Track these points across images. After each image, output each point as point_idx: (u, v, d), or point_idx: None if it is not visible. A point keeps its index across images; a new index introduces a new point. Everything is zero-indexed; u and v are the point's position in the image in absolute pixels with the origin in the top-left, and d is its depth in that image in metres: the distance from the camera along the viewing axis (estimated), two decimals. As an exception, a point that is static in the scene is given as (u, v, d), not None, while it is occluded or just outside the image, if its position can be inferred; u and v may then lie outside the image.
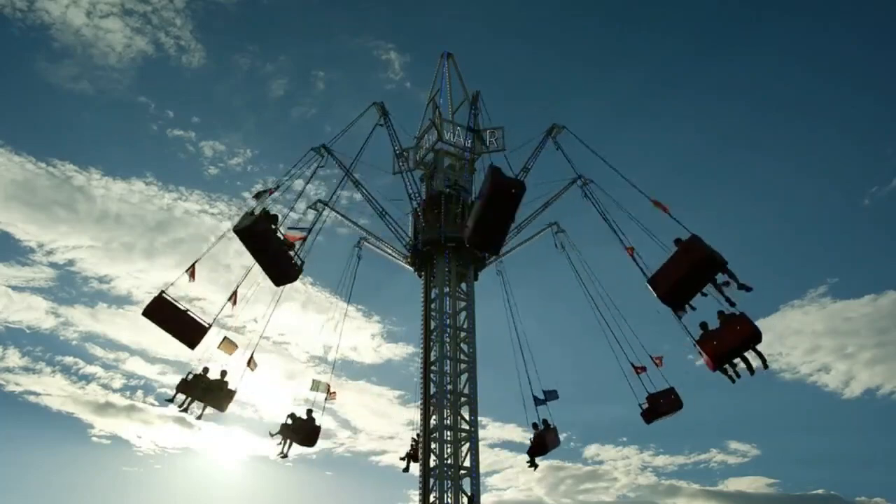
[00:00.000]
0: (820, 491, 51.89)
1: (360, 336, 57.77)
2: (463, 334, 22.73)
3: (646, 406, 20.23)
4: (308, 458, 61.36)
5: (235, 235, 16.97)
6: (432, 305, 23.02)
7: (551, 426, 22.28)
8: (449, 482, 20.64)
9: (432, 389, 21.83)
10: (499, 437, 58.03)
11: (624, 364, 20.66)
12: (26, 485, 52.22)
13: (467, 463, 21.14)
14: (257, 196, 18.67)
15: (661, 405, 19.96)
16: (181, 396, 18.82)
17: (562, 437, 23.69)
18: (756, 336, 15.73)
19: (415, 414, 22.34)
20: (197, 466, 57.38)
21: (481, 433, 22.01)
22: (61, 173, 52.35)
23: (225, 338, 19.00)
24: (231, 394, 19.25)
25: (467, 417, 21.69)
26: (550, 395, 22.30)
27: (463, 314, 23.11)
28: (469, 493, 20.70)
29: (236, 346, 19.24)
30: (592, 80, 69.72)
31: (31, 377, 52.96)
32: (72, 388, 54.75)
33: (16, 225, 51.33)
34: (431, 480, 20.78)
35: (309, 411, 21.39)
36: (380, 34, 66.72)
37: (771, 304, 56.02)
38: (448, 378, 21.73)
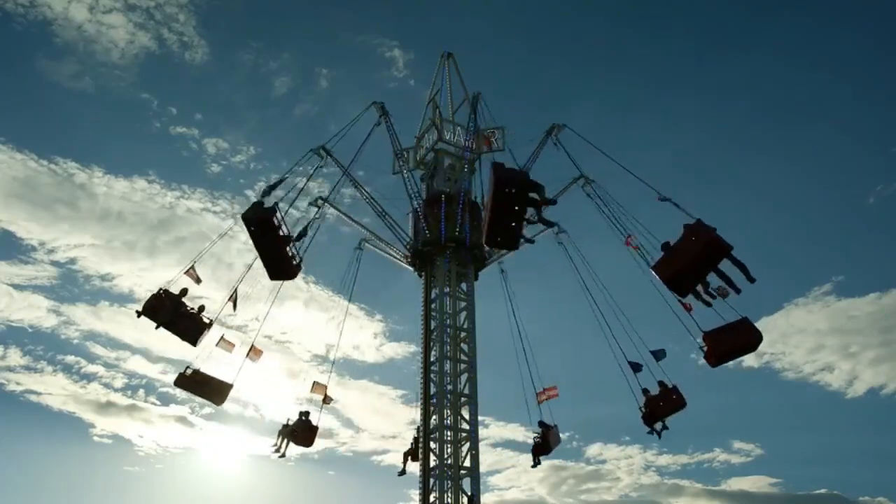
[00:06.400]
0: (823, 490, 51.97)
1: (363, 335, 57.80)
2: (463, 334, 22.74)
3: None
4: (310, 457, 61.55)
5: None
6: (432, 305, 23.01)
7: (551, 425, 22.25)
8: (449, 482, 20.66)
9: (432, 389, 21.85)
10: (501, 437, 58.14)
11: (623, 363, 20.31)
12: (27, 485, 52.37)
13: (468, 463, 21.17)
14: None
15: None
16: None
17: (564, 436, 23.68)
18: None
19: (417, 413, 22.36)
20: (198, 466, 57.52)
21: (483, 433, 22.12)
22: (63, 171, 52.46)
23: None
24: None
25: (467, 417, 21.72)
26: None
27: (463, 314, 23.11)
28: (469, 493, 20.72)
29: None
30: (592, 80, 69.71)
31: (32, 376, 53.05)
32: (73, 387, 54.84)
33: (17, 223, 51.40)
34: (431, 480, 20.80)
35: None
36: (383, 32, 66.91)
37: (775, 302, 56.02)
38: (448, 378, 21.74)
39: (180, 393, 19.68)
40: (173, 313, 17.82)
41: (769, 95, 63.27)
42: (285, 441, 21.08)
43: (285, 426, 21.13)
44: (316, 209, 21.98)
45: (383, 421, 62.25)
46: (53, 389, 53.15)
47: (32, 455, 54.64)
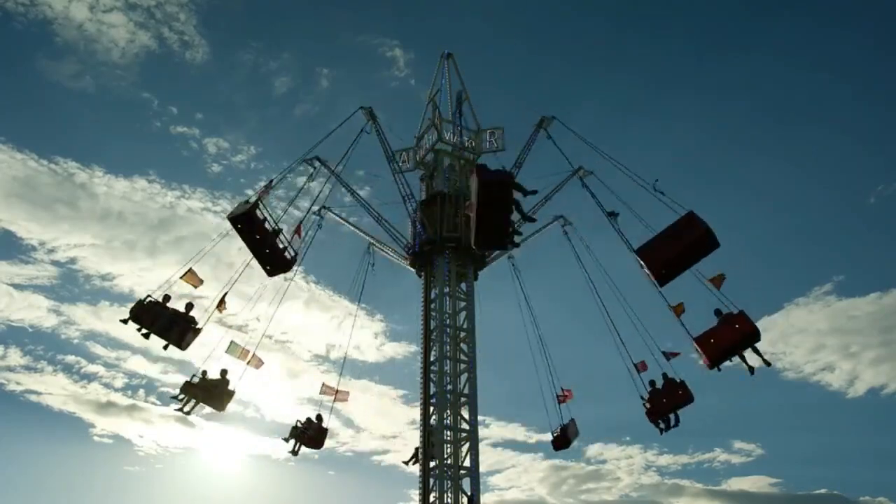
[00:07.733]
0: (823, 490, 51.88)
1: (363, 334, 57.73)
2: (463, 334, 22.76)
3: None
4: (310, 457, 61.33)
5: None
6: (432, 305, 23.04)
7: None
8: (449, 482, 20.67)
9: (432, 389, 21.88)
10: (501, 437, 58.09)
11: (628, 362, 20.10)
12: (27, 485, 52.31)
13: (467, 463, 21.18)
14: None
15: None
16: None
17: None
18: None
19: (417, 413, 22.38)
20: (199, 466, 57.41)
21: (484, 432, 22.08)
22: (63, 171, 52.38)
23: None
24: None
25: (467, 417, 21.72)
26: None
27: (463, 314, 23.13)
28: (469, 493, 20.73)
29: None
30: (592, 80, 69.65)
31: (32, 376, 52.94)
32: (73, 387, 54.78)
33: (17, 223, 51.27)
34: (431, 480, 20.81)
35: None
36: (383, 32, 66.74)
37: (775, 301, 55.95)
38: (448, 378, 21.77)
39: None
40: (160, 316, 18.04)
41: (769, 95, 63.23)
42: (297, 443, 21.66)
43: (295, 427, 21.65)
44: (319, 218, 22.59)
45: (384, 421, 62.22)
46: (53, 389, 53.13)
47: (32, 455, 54.66)
